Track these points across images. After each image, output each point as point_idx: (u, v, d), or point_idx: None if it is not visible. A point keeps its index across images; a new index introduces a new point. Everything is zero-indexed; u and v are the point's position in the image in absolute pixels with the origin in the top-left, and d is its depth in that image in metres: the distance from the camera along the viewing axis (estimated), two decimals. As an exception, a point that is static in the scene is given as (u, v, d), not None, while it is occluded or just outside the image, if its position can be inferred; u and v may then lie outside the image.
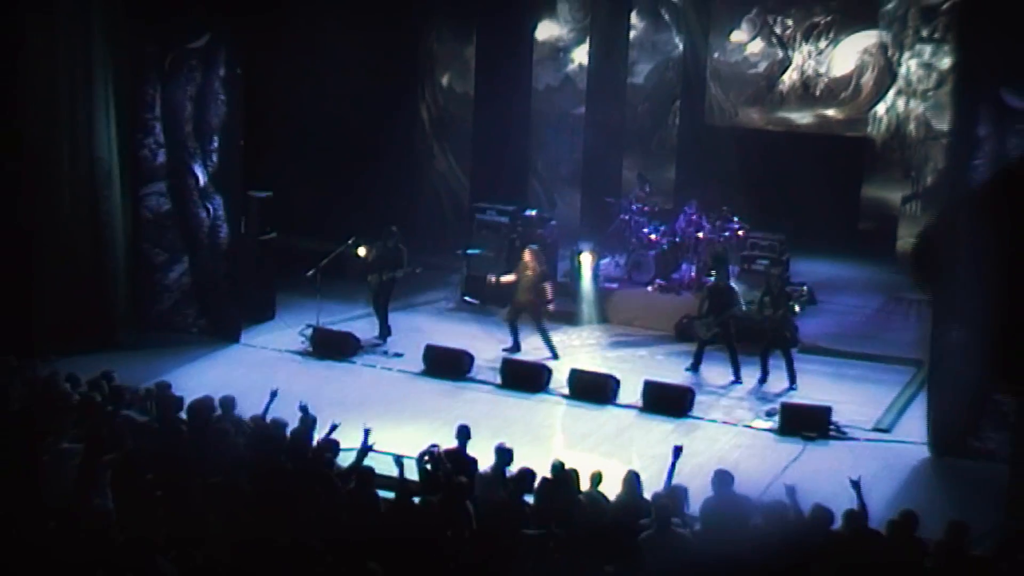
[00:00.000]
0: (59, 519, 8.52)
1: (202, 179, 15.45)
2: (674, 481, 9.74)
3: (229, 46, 15.16)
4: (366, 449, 10.05)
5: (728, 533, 9.02)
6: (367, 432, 10.12)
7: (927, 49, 20.04)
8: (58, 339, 13.87)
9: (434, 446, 10.33)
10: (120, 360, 13.32)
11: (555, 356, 15.16)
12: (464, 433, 10.72)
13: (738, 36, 21.74)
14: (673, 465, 9.85)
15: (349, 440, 10.24)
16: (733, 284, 15.18)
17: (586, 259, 17.00)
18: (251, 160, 15.68)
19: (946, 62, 19.56)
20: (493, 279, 16.15)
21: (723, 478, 9.65)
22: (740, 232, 17.88)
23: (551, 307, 15.66)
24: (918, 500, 10.61)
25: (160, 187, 15.52)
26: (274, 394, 10.90)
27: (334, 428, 10.29)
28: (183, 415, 10.64)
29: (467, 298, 17.57)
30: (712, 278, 15.32)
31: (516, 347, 15.37)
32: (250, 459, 9.93)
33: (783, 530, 8.88)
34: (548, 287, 15.50)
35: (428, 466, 10.18)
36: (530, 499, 9.76)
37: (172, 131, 15.39)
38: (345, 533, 8.89)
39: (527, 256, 15.41)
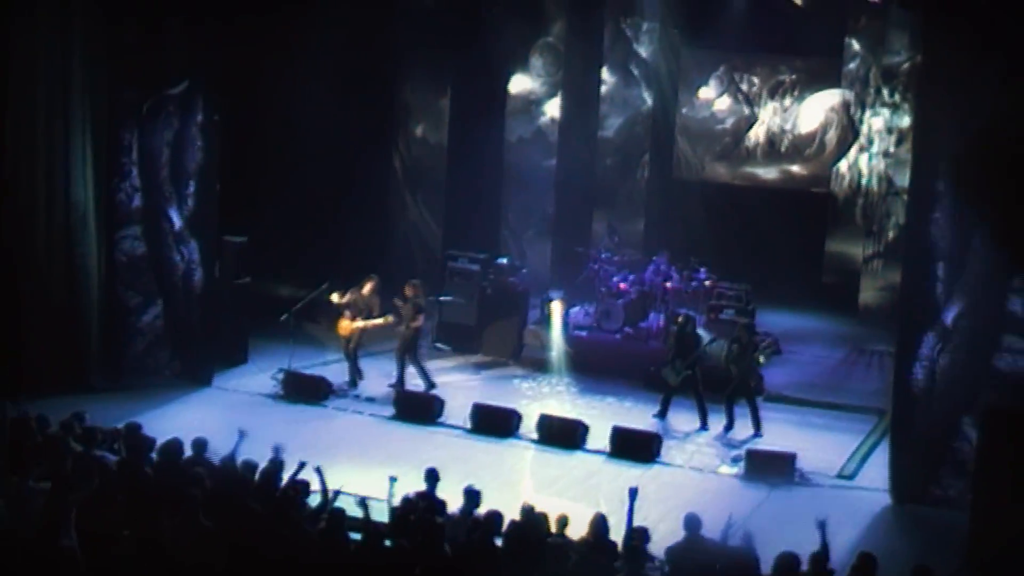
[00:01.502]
0: (24, 557, 8.53)
1: (177, 223, 15.59)
2: (638, 524, 9.89)
3: (207, 93, 15.36)
4: (328, 490, 10.14)
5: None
6: (319, 471, 10.18)
7: (888, 107, 20.52)
8: (31, 380, 13.89)
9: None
10: (93, 402, 13.29)
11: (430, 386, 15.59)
12: (433, 476, 10.78)
13: (706, 93, 22.19)
14: (631, 507, 9.97)
15: (317, 482, 10.33)
16: (699, 332, 15.46)
17: (556, 307, 17.25)
18: (226, 205, 15.85)
19: (906, 120, 20.06)
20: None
21: (693, 522, 9.82)
22: (707, 283, 18.17)
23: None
24: (880, 546, 10.79)
25: (135, 231, 15.60)
26: (242, 435, 10.92)
27: (302, 467, 10.37)
28: (153, 456, 10.70)
29: (438, 344, 17.75)
30: (677, 327, 15.58)
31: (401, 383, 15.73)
32: (217, 500, 9.98)
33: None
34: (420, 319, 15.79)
35: (399, 510, 10.28)
36: (498, 542, 9.87)
37: (148, 175, 15.51)
38: (315, 574, 8.95)
39: (409, 291, 15.64)
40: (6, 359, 14.16)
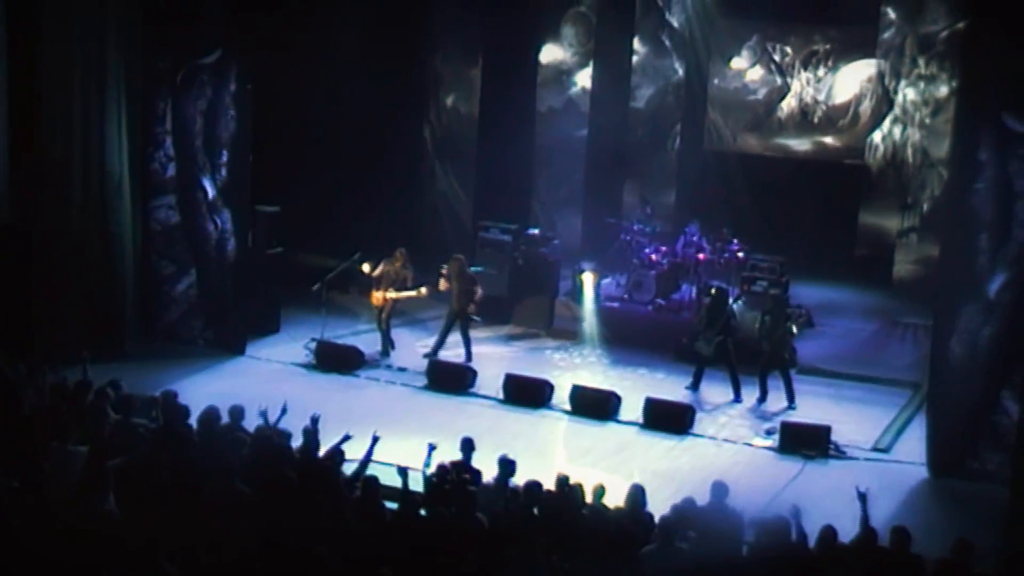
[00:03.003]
0: (64, 522, 8.59)
1: (211, 193, 15.62)
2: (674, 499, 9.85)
3: (240, 62, 15.35)
4: (368, 459, 10.16)
5: (723, 543, 9.12)
6: (375, 439, 10.24)
7: (924, 78, 20.28)
8: (67, 348, 13.97)
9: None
10: (128, 369, 13.38)
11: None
12: (469, 445, 10.81)
13: (738, 63, 21.97)
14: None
15: (352, 452, 10.35)
16: (732, 304, 15.40)
17: (588, 279, 17.17)
18: (259, 175, 15.86)
19: (943, 90, 19.85)
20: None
21: (719, 489, 9.79)
22: (740, 254, 18.06)
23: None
24: (918, 519, 10.77)
25: (169, 200, 15.70)
26: (284, 409, 10.92)
27: (347, 439, 10.39)
28: (190, 423, 10.75)
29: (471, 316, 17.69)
30: (709, 299, 15.49)
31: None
32: (254, 468, 10.02)
33: (782, 546, 8.99)
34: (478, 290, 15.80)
35: (434, 477, 10.30)
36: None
37: (182, 145, 15.57)
38: (351, 542, 8.98)
39: (454, 265, 15.65)
40: (44, 327, 14.28)
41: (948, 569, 8.67)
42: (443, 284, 15.83)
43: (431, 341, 16.15)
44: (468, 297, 15.69)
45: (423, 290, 15.78)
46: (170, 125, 15.50)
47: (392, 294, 15.69)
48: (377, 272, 15.73)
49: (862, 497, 9.31)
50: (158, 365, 14.68)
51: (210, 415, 10.74)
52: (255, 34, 15.33)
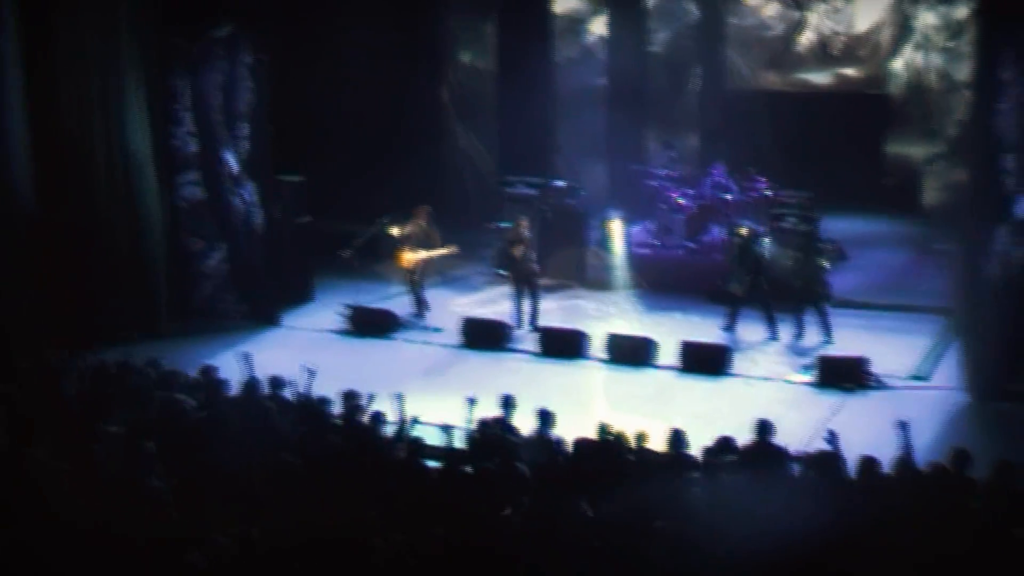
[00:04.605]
0: (116, 499, 8.71)
1: (234, 166, 15.65)
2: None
3: (253, 34, 15.33)
4: (406, 419, 10.24)
5: (770, 478, 9.17)
6: (400, 399, 10.32)
7: (942, 3, 20.02)
8: (103, 329, 14.13)
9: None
10: (164, 347, 13.57)
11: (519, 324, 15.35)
12: (509, 402, 10.85)
13: (753, -1, 21.79)
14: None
15: (392, 414, 10.45)
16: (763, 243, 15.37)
17: (616, 227, 17.14)
18: (279, 145, 15.87)
19: (962, 11, 19.60)
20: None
21: (764, 426, 9.84)
22: (767, 192, 17.96)
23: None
24: (961, 444, 10.69)
25: (193, 176, 15.74)
26: (312, 373, 11.01)
27: (372, 399, 10.50)
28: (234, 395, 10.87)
29: (500, 271, 17.73)
30: (740, 240, 15.44)
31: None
32: (298, 437, 10.12)
33: (828, 476, 9.03)
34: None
35: (476, 433, 10.36)
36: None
37: (202, 120, 15.58)
38: (399, 503, 9.05)
39: (524, 225, 15.52)
40: (79, 311, 14.39)
41: (991, 491, 8.69)
42: (518, 250, 15.51)
43: (464, 299, 16.15)
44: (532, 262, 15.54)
45: (454, 248, 15.79)
46: (189, 101, 15.50)
47: (422, 254, 15.72)
48: (403, 232, 15.74)
49: (903, 427, 9.31)
50: (195, 342, 14.81)
51: (250, 386, 10.88)
52: (267, 5, 15.30)
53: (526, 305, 15.45)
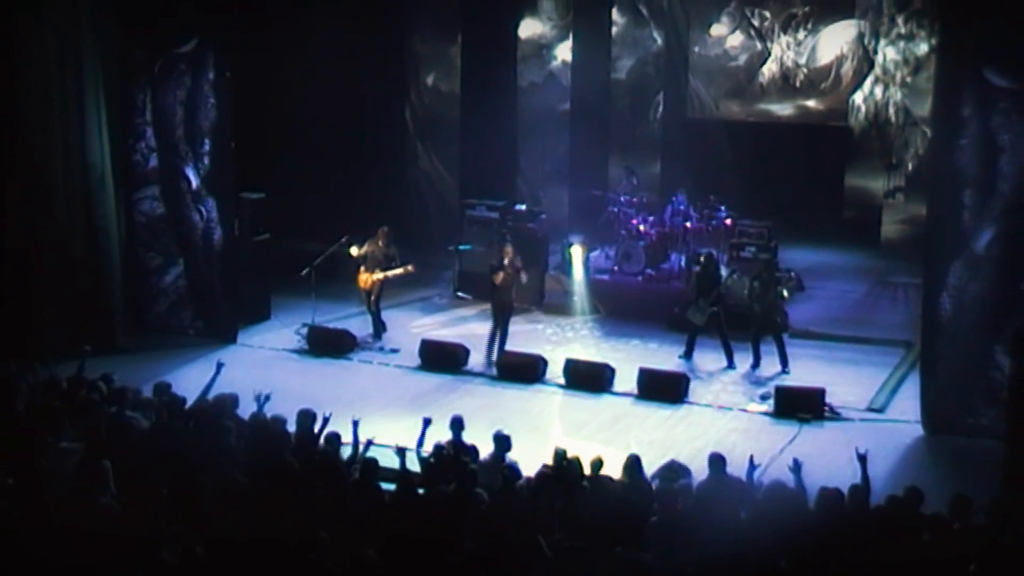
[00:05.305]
0: (62, 518, 8.57)
1: (194, 182, 15.53)
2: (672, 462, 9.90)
3: (217, 50, 15.22)
4: (360, 442, 10.16)
5: (726, 512, 9.13)
6: (355, 424, 10.25)
7: (903, 36, 20.26)
8: (57, 343, 13.91)
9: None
10: (119, 363, 13.35)
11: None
12: (457, 424, 10.71)
13: (718, 30, 21.95)
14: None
15: (347, 435, 10.35)
16: (722, 270, 15.42)
17: (577, 251, 17.16)
18: (242, 163, 15.77)
19: (923, 48, 19.87)
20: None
21: (717, 461, 9.80)
22: (728, 221, 18.05)
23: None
24: (916, 477, 10.72)
25: (153, 191, 15.62)
26: (267, 397, 10.81)
27: (326, 421, 10.39)
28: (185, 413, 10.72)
29: (460, 293, 17.72)
30: (699, 267, 15.50)
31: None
32: (251, 457, 10.00)
33: (786, 507, 9.00)
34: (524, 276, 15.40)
35: (431, 457, 10.29)
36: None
37: (163, 135, 15.47)
38: (352, 525, 8.95)
39: (509, 253, 15.26)
40: (32, 323, 14.23)
41: (945, 525, 8.70)
42: (499, 278, 15.07)
43: (423, 321, 16.08)
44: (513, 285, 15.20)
45: (410, 267, 15.72)
46: (150, 116, 15.40)
47: (379, 274, 15.65)
48: (362, 252, 15.68)
49: (862, 459, 9.33)
50: (150, 357, 14.64)
51: (205, 406, 10.76)
52: (231, 21, 15.22)
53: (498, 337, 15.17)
